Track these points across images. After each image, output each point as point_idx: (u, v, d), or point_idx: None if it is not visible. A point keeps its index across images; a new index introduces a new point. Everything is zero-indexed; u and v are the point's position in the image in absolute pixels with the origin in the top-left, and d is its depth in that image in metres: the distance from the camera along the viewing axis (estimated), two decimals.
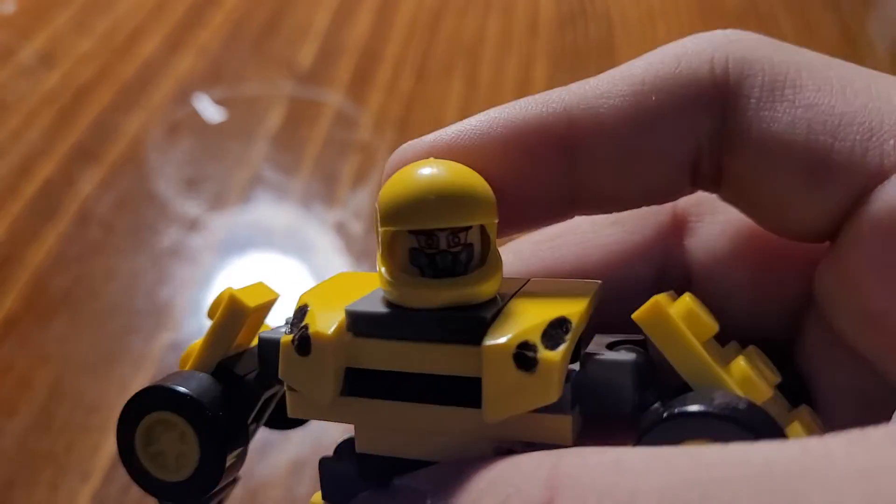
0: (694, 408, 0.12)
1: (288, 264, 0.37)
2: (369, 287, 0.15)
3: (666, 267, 0.16)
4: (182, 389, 0.15)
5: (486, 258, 0.14)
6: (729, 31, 0.14)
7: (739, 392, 0.13)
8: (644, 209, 0.16)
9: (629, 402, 0.14)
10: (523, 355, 0.13)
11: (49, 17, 0.49)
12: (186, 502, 0.16)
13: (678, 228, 0.16)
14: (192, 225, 0.37)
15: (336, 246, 0.37)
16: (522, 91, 0.49)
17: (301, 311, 0.15)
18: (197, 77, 0.46)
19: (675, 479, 0.09)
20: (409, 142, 0.15)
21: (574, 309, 0.14)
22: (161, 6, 0.51)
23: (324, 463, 0.15)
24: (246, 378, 0.16)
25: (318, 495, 0.16)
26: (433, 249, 0.14)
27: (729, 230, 0.16)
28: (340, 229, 0.38)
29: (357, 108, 0.45)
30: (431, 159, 0.15)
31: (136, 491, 0.27)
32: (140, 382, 0.31)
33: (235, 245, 0.37)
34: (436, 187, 0.14)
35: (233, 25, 0.51)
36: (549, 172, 0.14)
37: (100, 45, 0.47)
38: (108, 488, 0.28)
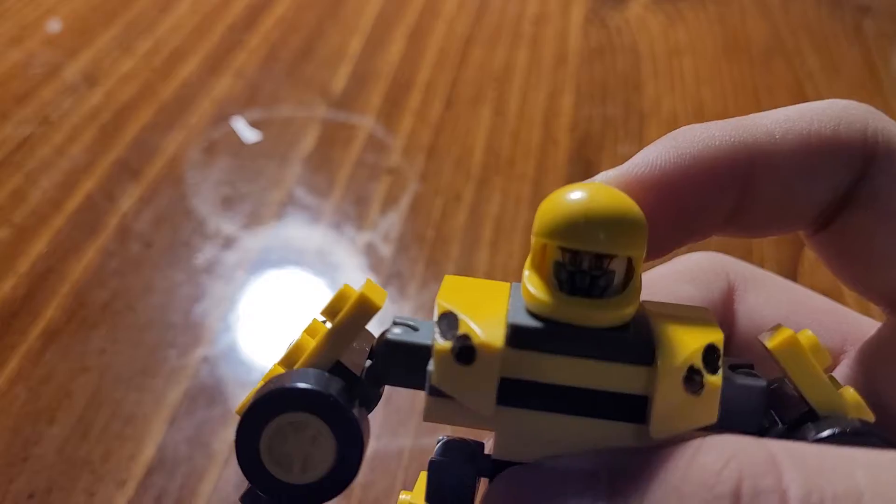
0: (855, 426, 0.15)
1: (318, 283, 0.38)
2: (494, 295, 0.16)
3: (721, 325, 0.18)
4: (322, 390, 0.15)
5: (626, 285, 0.15)
6: (876, 110, 0.16)
7: (854, 415, 0.15)
8: (710, 272, 0.19)
9: (757, 424, 0.15)
10: (692, 378, 0.14)
11: (93, 36, 0.51)
12: (322, 500, 0.15)
13: (731, 293, 0.19)
14: (227, 242, 0.38)
15: (365, 266, 0.38)
16: (550, 122, 0.50)
17: (449, 319, 0.15)
18: (233, 98, 0.47)
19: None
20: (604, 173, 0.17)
21: (716, 336, 0.15)
22: (199, 29, 0.53)
23: (437, 463, 0.15)
24: (360, 378, 0.16)
25: (410, 494, 0.18)
26: (574, 268, 0.15)
27: (772, 301, 0.18)
28: (370, 251, 0.39)
29: (388, 132, 0.46)
30: (598, 183, 0.16)
31: (169, 499, 0.28)
32: (174, 395, 0.32)
33: (268, 263, 0.38)
34: (591, 212, 0.15)
35: (268, 49, 0.52)
36: (718, 203, 0.16)
37: (141, 65, 0.49)
38: (143, 496, 0.28)
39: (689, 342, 0.15)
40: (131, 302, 0.35)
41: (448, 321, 0.15)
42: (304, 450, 0.15)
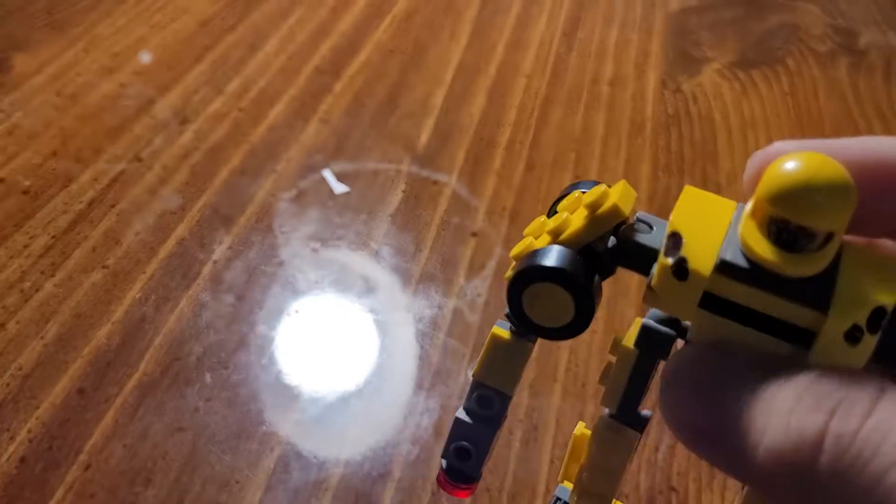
0: None
1: (407, 346, 0.37)
2: (719, 216, 0.21)
3: None
4: (570, 269, 0.21)
5: (825, 244, 0.19)
6: None
7: None
8: None
9: None
10: (853, 334, 0.19)
11: (182, 71, 0.51)
12: (559, 338, 0.22)
13: None
14: (317, 302, 0.38)
15: (451, 333, 0.38)
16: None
17: (675, 239, 0.20)
18: (320, 145, 0.47)
19: None
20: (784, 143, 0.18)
21: (889, 299, 0.19)
22: (286, 69, 0.53)
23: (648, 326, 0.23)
24: (604, 256, 0.22)
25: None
26: (783, 226, 0.19)
27: None
28: (456, 317, 0.39)
29: (471, 193, 0.46)
30: (819, 158, 0.19)
31: None
32: (268, 461, 0.31)
33: (358, 325, 0.38)
34: (805, 190, 0.19)
35: (353, 95, 0.52)
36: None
37: (230, 105, 0.49)
38: None
39: (861, 301, 0.19)
40: (224, 358, 0.35)
41: (674, 241, 0.20)
42: (552, 305, 0.21)
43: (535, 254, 0.22)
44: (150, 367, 0.34)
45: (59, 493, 0.29)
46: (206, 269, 0.38)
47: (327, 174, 0.45)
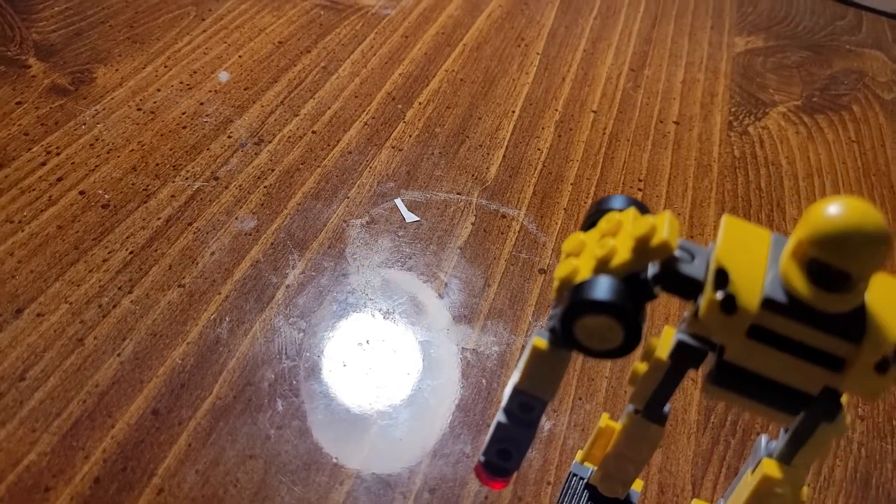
0: None
1: (473, 383, 0.37)
2: (760, 249, 0.23)
3: None
4: (619, 303, 0.23)
5: (861, 285, 0.22)
6: None
7: None
8: None
9: None
10: (882, 364, 0.22)
11: (258, 91, 0.51)
12: (605, 358, 0.24)
13: None
14: (386, 333, 0.38)
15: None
16: (695, 235, 0.49)
17: (722, 275, 0.22)
18: (391, 172, 0.47)
19: None
20: None
21: None
22: (358, 94, 0.53)
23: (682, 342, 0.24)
24: (648, 283, 0.24)
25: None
26: (822, 269, 0.21)
27: None
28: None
29: (539, 228, 0.46)
30: (861, 206, 0.21)
31: None
32: (336, 496, 0.31)
33: (427, 357, 0.37)
34: (846, 238, 0.21)
35: (424, 123, 0.52)
36: None
37: (304, 127, 0.49)
38: None
39: (890, 334, 0.22)
40: (296, 386, 0.35)
41: (721, 277, 0.22)
42: (603, 332, 0.23)
43: (586, 286, 0.24)
44: (224, 390, 0.34)
45: None
46: (280, 294, 0.39)
47: (399, 203, 0.45)
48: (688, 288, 0.24)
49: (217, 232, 0.41)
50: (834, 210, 0.21)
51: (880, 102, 0.70)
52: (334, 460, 0.32)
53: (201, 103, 0.49)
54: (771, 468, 0.28)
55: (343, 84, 0.54)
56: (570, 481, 0.33)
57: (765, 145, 0.59)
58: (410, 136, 0.51)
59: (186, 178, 0.44)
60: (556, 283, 0.25)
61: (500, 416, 0.28)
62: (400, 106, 0.53)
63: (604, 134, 0.56)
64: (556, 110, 0.57)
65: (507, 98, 0.57)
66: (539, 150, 0.52)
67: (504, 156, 0.51)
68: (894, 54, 0.79)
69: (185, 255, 0.39)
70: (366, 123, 0.51)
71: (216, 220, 0.42)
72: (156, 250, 0.39)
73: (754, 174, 0.56)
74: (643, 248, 0.24)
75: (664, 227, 0.24)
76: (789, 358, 0.23)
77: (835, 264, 0.21)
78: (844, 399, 0.27)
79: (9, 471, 0.30)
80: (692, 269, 0.24)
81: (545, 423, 0.36)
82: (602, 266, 0.24)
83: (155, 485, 0.30)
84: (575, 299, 0.24)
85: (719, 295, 0.23)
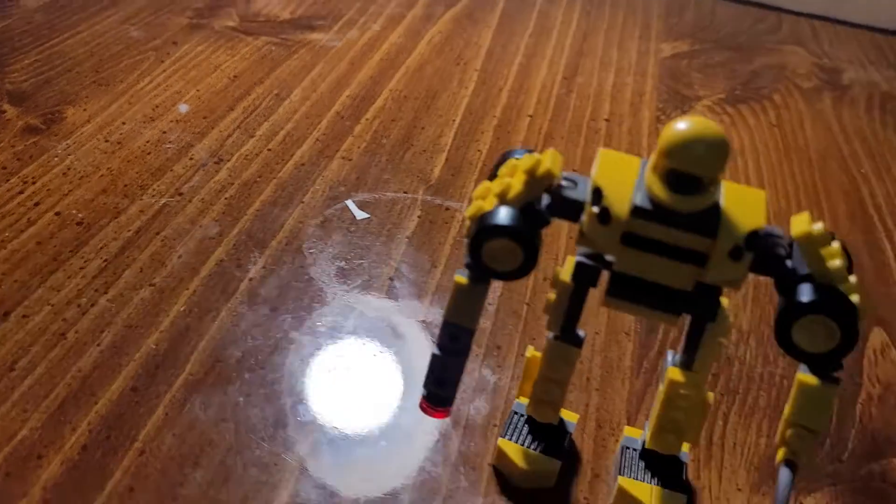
0: (825, 286, 0.27)
1: (422, 348, 0.41)
2: (630, 172, 0.28)
3: None
4: (516, 226, 0.28)
5: (710, 187, 0.26)
6: None
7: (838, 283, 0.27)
8: None
9: (778, 272, 0.28)
10: (736, 252, 0.27)
11: (216, 119, 0.56)
12: (510, 279, 0.30)
13: None
14: (344, 310, 0.42)
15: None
16: None
17: (598, 193, 0.27)
18: (342, 179, 0.52)
19: None
20: None
21: (759, 223, 0.27)
22: (310, 115, 0.58)
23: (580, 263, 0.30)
24: (541, 211, 0.29)
25: (561, 270, 0.32)
26: (676, 176, 0.26)
27: None
28: None
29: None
30: (703, 120, 0.26)
31: None
32: (304, 445, 0.35)
33: (380, 330, 0.41)
34: (691, 146, 0.26)
35: (372, 136, 0.57)
36: None
37: (260, 146, 0.54)
38: None
39: (740, 225, 0.26)
40: (262, 360, 0.39)
41: (597, 194, 0.27)
42: (505, 254, 0.28)
43: (488, 215, 0.28)
44: (195, 368, 0.38)
45: (118, 475, 0.33)
46: (243, 285, 0.42)
47: (350, 203, 0.50)
48: (573, 210, 0.29)
49: (183, 238, 0.45)
50: (680, 125, 0.26)
51: (800, 91, 0.75)
52: (299, 418, 0.36)
53: (164, 132, 0.54)
54: (674, 374, 0.32)
55: (295, 108, 0.59)
56: (512, 418, 0.36)
57: None
58: (359, 148, 0.55)
59: (153, 196, 0.48)
60: (467, 223, 0.30)
61: (434, 350, 0.32)
62: (348, 123, 0.58)
63: (539, 133, 0.60)
64: (495, 116, 0.62)
65: (448, 110, 0.62)
66: (479, 151, 0.57)
67: (447, 158, 0.56)
68: (813, 49, 0.85)
69: (155, 260, 0.43)
70: (317, 139, 0.55)
71: (182, 228, 0.46)
72: (128, 257, 0.43)
73: None
74: (531, 178, 0.28)
75: (548, 159, 0.28)
76: (661, 259, 0.28)
77: (685, 170, 0.26)
78: (726, 303, 0.32)
79: (5, 444, 0.33)
80: (575, 193, 0.29)
81: (491, 378, 0.39)
82: (501, 200, 0.29)
83: (136, 448, 0.34)
84: (479, 227, 0.28)
85: (596, 209, 0.27)
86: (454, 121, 0.60)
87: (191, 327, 0.40)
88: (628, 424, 0.39)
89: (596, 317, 0.45)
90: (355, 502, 0.33)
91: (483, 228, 0.28)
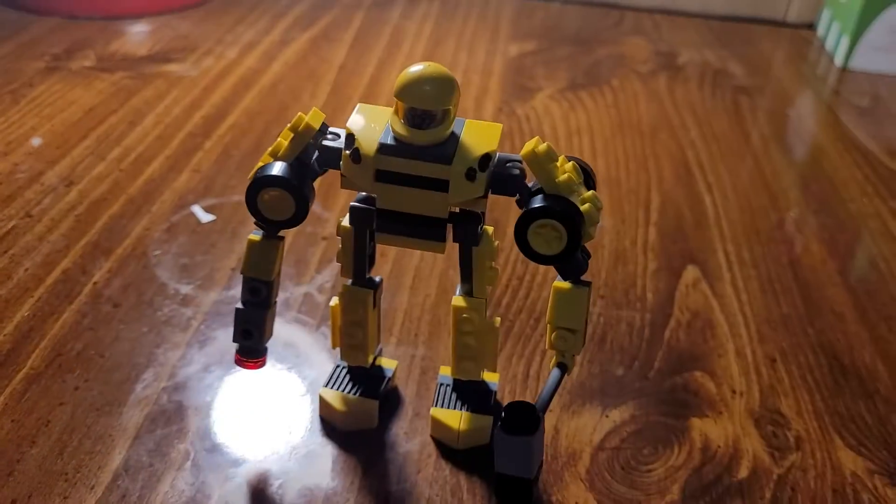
0: (553, 195, 0.31)
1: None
2: (382, 119, 0.31)
3: None
4: (286, 176, 0.31)
5: (444, 120, 0.30)
6: None
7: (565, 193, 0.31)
8: None
9: (515, 192, 0.32)
10: (470, 174, 0.30)
11: (69, 148, 0.59)
12: (289, 227, 0.33)
13: None
14: (185, 300, 0.45)
15: (302, 311, 0.45)
16: None
17: (350, 137, 0.31)
18: (191, 189, 0.55)
19: None
20: None
21: (492, 147, 0.31)
22: (162, 137, 0.61)
23: (354, 207, 0.34)
24: (311, 164, 0.32)
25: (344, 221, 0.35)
26: (413, 113, 0.30)
27: None
28: (306, 299, 0.46)
29: (323, 208, 0.54)
30: (431, 63, 0.30)
31: (132, 497, 0.34)
32: (138, 418, 0.37)
33: (220, 314, 0.44)
34: (420, 84, 0.30)
35: (222, 149, 0.60)
36: None
37: (112, 168, 0.57)
38: (110, 497, 0.34)
39: (474, 151, 0.30)
40: (102, 350, 0.41)
41: (350, 139, 0.31)
42: (279, 204, 0.32)
43: (260, 169, 0.32)
44: (37, 363, 0.40)
45: None
46: (87, 288, 0.45)
47: (195, 208, 0.53)
48: (336, 158, 0.32)
49: (31, 254, 0.48)
50: (410, 70, 0.30)
51: (637, 74, 0.81)
52: (136, 395, 0.39)
53: (16, 164, 0.56)
54: (457, 301, 0.36)
55: (147, 132, 0.62)
56: (334, 371, 0.40)
57: (530, 120, 0.69)
58: (209, 160, 0.59)
59: (2, 221, 0.50)
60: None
61: (237, 305, 0.35)
62: (199, 139, 0.61)
63: None
64: (343, 121, 0.65)
65: None
66: None
67: None
68: (653, 38, 0.92)
69: (2, 274, 0.46)
70: (167, 157, 0.59)
71: (30, 245, 0.48)
72: None
73: (520, 141, 0.66)
74: (295, 133, 0.32)
75: (308, 116, 0.32)
76: (412, 190, 0.32)
77: (417, 106, 0.30)
78: (491, 230, 0.36)
79: None
80: (336, 143, 0.32)
81: (326, 343, 0.43)
82: (273, 157, 0.32)
83: None
84: (252, 180, 0.32)
85: (348, 151, 0.31)
86: None
87: (34, 328, 0.42)
88: None
89: (427, 281, 0.48)
90: (185, 457, 0.36)
91: (254, 181, 0.32)
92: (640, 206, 0.58)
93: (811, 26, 0.99)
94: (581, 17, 0.96)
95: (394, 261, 0.50)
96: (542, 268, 0.50)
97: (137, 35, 0.81)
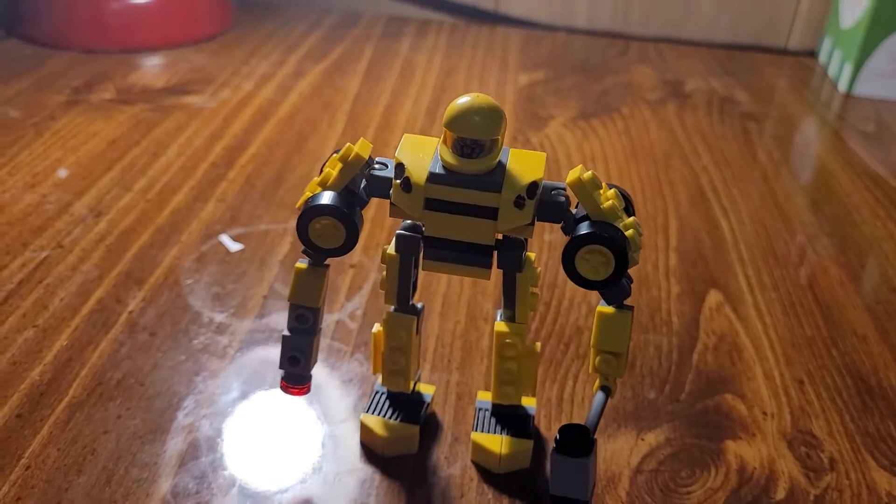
0: (599, 221, 0.32)
1: None
2: (429, 149, 0.32)
3: None
4: (337, 205, 0.32)
5: (493, 149, 0.31)
6: None
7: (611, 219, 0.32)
8: None
9: (561, 219, 0.33)
10: (519, 202, 0.31)
11: (95, 179, 0.59)
12: (338, 255, 0.34)
13: None
14: (220, 328, 0.45)
15: (336, 338, 0.45)
16: None
17: (400, 167, 0.32)
18: (217, 219, 0.56)
19: None
20: None
21: (538, 176, 0.31)
22: (186, 167, 0.62)
23: (399, 234, 0.35)
24: (359, 193, 0.33)
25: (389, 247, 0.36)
26: (463, 143, 0.31)
27: None
28: (339, 326, 0.46)
29: None
30: (478, 94, 0.31)
31: None
32: (182, 445, 0.38)
33: (254, 342, 0.45)
34: (469, 115, 0.30)
35: (245, 179, 0.61)
36: None
37: (138, 198, 0.57)
38: None
39: (521, 179, 0.31)
40: (142, 378, 0.42)
41: (400, 168, 0.32)
42: (330, 232, 0.33)
43: (311, 199, 0.33)
44: (78, 392, 0.40)
45: (5, 489, 0.35)
46: (123, 317, 0.46)
47: (223, 238, 0.53)
48: (385, 187, 0.33)
49: (65, 284, 0.48)
50: (459, 101, 0.31)
51: (646, 102, 0.83)
52: (179, 423, 0.39)
53: (44, 195, 0.57)
54: (500, 326, 0.37)
55: (171, 162, 0.63)
56: (373, 397, 0.40)
57: (545, 148, 0.71)
58: (233, 190, 0.59)
59: (35, 251, 0.51)
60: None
61: (284, 332, 0.35)
62: (223, 170, 0.62)
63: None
64: None
65: (317, 149, 0.66)
66: None
67: None
68: (658, 66, 0.93)
69: (38, 305, 0.46)
70: (192, 187, 0.59)
71: (63, 275, 0.49)
72: (11, 305, 0.46)
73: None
74: (345, 163, 0.33)
75: (357, 146, 0.33)
76: (461, 218, 0.32)
77: (467, 135, 0.31)
78: (533, 256, 0.36)
79: None
80: (385, 173, 0.33)
81: (359, 369, 0.43)
82: (322, 187, 0.33)
83: (22, 464, 0.36)
84: (303, 209, 0.33)
85: (399, 180, 0.32)
86: (324, 158, 0.65)
87: (73, 357, 0.43)
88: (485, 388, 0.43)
89: (455, 307, 0.49)
90: (231, 484, 0.36)
91: (306, 210, 0.33)
92: (658, 232, 0.59)
93: (812, 54, 1.01)
94: (587, 47, 0.98)
95: (422, 287, 0.50)
96: (567, 293, 0.51)
97: (154, 68, 0.82)
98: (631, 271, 0.33)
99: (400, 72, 0.85)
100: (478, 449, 0.38)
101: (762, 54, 1.00)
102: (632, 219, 0.32)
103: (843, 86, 0.89)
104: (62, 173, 0.60)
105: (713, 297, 0.52)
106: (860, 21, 0.85)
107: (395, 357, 0.38)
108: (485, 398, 0.40)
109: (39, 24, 0.85)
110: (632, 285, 0.34)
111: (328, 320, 0.47)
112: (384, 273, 0.36)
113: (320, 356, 0.44)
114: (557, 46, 0.97)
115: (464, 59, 0.90)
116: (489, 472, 0.38)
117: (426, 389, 0.41)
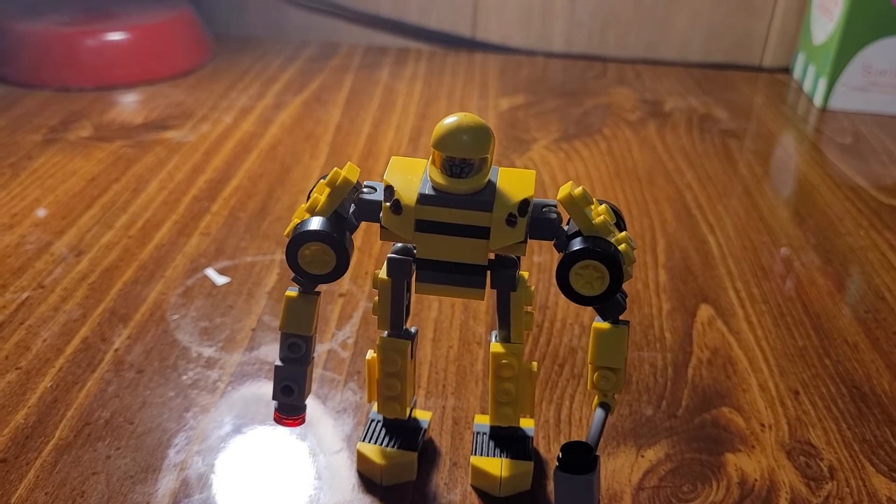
0: (590, 236, 0.31)
1: None
2: (418, 170, 0.32)
3: None
4: (326, 230, 0.31)
5: (482, 168, 0.31)
6: None
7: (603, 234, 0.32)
8: None
9: (552, 236, 0.32)
10: (510, 220, 0.31)
11: (75, 217, 0.59)
12: (329, 281, 0.33)
13: None
14: (209, 363, 0.45)
15: (328, 367, 0.45)
16: None
17: (390, 189, 0.31)
18: (202, 253, 0.55)
19: None
20: None
21: (529, 193, 0.31)
22: (167, 202, 0.61)
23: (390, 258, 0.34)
24: (348, 218, 0.32)
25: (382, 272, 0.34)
26: (451, 162, 0.30)
27: None
28: (330, 356, 0.46)
29: None
30: (465, 113, 0.30)
31: None
32: (174, 483, 0.37)
33: (244, 375, 0.44)
34: (456, 134, 0.30)
35: (229, 212, 0.61)
36: None
37: (120, 235, 0.57)
38: None
39: (512, 197, 0.31)
40: (130, 417, 0.41)
41: (389, 191, 0.31)
42: (320, 257, 0.32)
43: (299, 225, 0.32)
44: (65, 433, 0.39)
45: None
46: (109, 356, 0.45)
47: (209, 271, 0.53)
48: (375, 211, 0.32)
49: (47, 324, 0.47)
50: (446, 121, 0.31)
51: (626, 122, 0.83)
52: (170, 460, 0.38)
53: (23, 236, 0.56)
54: (496, 347, 0.36)
55: (152, 197, 0.62)
56: (369, 426, 0.39)
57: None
58: (217, 223, 0.59)
59: (15, 292, 0.50)
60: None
61: (276, 362, 0.35)
62: (206, 203, 0.61)
63: None
64: None
65: (301, 180, 0.66)
66: None
67: None
68: (637, 87, 0.94)
69: (20, 346, 0.45)
70: (175, 221, 0.59)
71: (46, 316, 0.48)
72: None
73: None
74: (332, 188, 0.32)
75: (345, 170, 0.32)
76: (453, 239, 0.32)
77: (456, 155, 0.30)
78: (526, 275, 0.36)
79: None
80: (374, 196, 0.33)
81: (352, 398, 0.43)
82: (311, 213, 0.33)
83: None
84: (292, 235, 0.32)
85: (389, 203, 0.31)
86: (307, 188, 0.64)
87: (59, 398, 0.42)
88: (481, 411, 0.42)
89: (448, 332, 0.48)
90: None
91: (294, 237, 0.32)
92: (647, 250, 0.59)
93: (787, 70, 1.02)
94: (565, 70, 0.99)
95: (413, 313, 0.50)
96: (560, 314, 0.51)
97: (131, 104, 0.81)
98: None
99: (380, 101, 0.85)
100: (478, 473, 0.38)
101: (738, 72, 1.02)
102: (624, 233, 0.32)
103: (818, 100, 0.90)
104: (41, 213, 0.59)
105: (704, 311, 0.52)
106: (832, 36, 0.87)
107: (391, 383, 0.37)
108: (482, 422, 0.40)
109: (13, 63, 0.85)
110: (626, 300, 0.34)
111: (319, 350, 0.46)
112: (376, 299, 0.36)
113: (313, 386, 0.43)
114: (536, 70, 0.98)
115: (444, 85, 0.91)
116: (490, 497, 0.37)
117: (423, 415, 0.40)
